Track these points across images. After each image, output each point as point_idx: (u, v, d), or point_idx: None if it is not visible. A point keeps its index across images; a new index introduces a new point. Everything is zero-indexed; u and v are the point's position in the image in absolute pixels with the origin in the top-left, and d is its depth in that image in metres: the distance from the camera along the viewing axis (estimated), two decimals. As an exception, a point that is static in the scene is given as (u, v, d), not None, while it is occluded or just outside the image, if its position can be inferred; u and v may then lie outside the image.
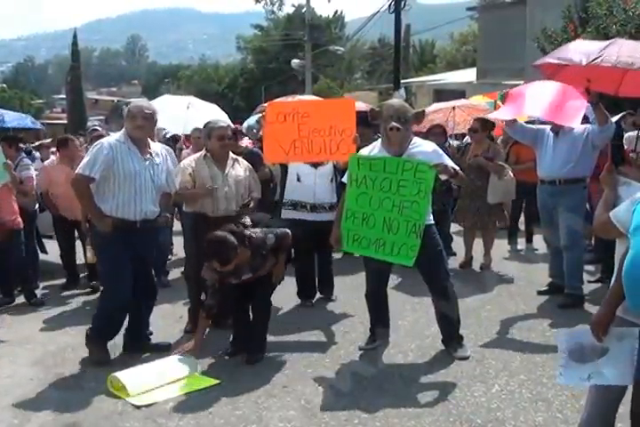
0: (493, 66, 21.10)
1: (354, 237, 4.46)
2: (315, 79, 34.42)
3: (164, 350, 4.61)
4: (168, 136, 8.95)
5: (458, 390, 3.93)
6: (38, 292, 6.46)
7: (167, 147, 4.98)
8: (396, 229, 4.29)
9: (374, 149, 4.57)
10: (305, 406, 3.78)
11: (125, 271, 4.45)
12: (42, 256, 7.07)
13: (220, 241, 4.07)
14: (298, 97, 8.81)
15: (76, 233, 6.78)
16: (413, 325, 5.16)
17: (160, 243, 5.65)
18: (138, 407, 3.80)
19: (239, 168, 5.10)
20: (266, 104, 6.96)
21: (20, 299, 6.24)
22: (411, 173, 4.23)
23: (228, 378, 4.16)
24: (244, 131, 8.63)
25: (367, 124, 5.64)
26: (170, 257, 7.50)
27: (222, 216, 4.82)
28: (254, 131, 8.22)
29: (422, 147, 4.45)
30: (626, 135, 6.30)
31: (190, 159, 5.08)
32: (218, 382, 4.11)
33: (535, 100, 5.40)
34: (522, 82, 11.48)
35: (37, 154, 10.41)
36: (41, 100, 68.87)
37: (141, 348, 4.68)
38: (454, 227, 7.56)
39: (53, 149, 8.30)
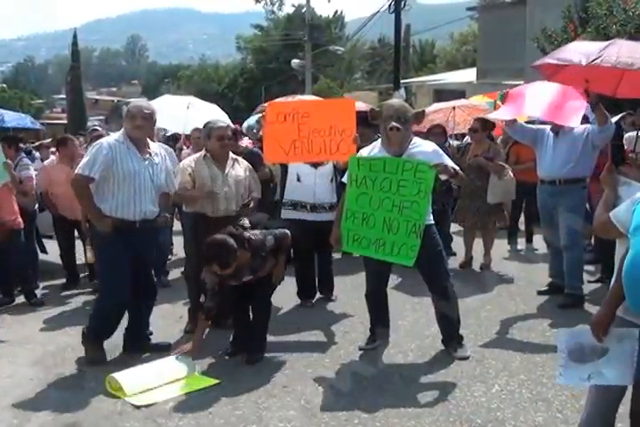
0: (493, 66, 21.09)
1: (354, 237, 4.46)
2: (315, 79, 34.40)
3: (164, 350, 4.61)
4: (168, 135, 8.95)
5: (458, 390, 3.93)
6: (38, 292, 6.46)
7: (167, 147, 4.97)
8: (396, 229, 4.29)
9: (374, 148, 4.57)
10: (305, 406, 3.78)
11: (123, 272, 4.44)
12: (42, 256, 7.07)
13: (220, 244, 4.06)
14: (298, 97, 8.78)
15: (76, 233, 6.78)
16: (413, 325, 5.15)
17: (160, 243, 5.65)
18: (137, 407, 3.80)
19: (239, 168, 5.09)
20: (266, 104, 6.95)
21: (20, 299, 6.24)
22: (411, 173, 4.23)
23: (228, 378, 4.16)
24: (244, 131, 8.62)
25: (367, 124, 5.63)
26: (170, 257, 7.50)
27: (222, 216, 4.83)
28: (254, 131, 8.22)
29: (422, 147, 4.45)
30: (626, 135, 6.30)
31: (190, 159, 5.07)
32: (218, 382, 4.11)
33: (535, 100, 5.41)
34: (522, 82, 11.49)
35: (37, 154, 10.43)
36: (41, 100, 68.80)
37: (141, 348, 4.68)
38: (454, 227, 7.56)
39: (53, 149, 8.31)
